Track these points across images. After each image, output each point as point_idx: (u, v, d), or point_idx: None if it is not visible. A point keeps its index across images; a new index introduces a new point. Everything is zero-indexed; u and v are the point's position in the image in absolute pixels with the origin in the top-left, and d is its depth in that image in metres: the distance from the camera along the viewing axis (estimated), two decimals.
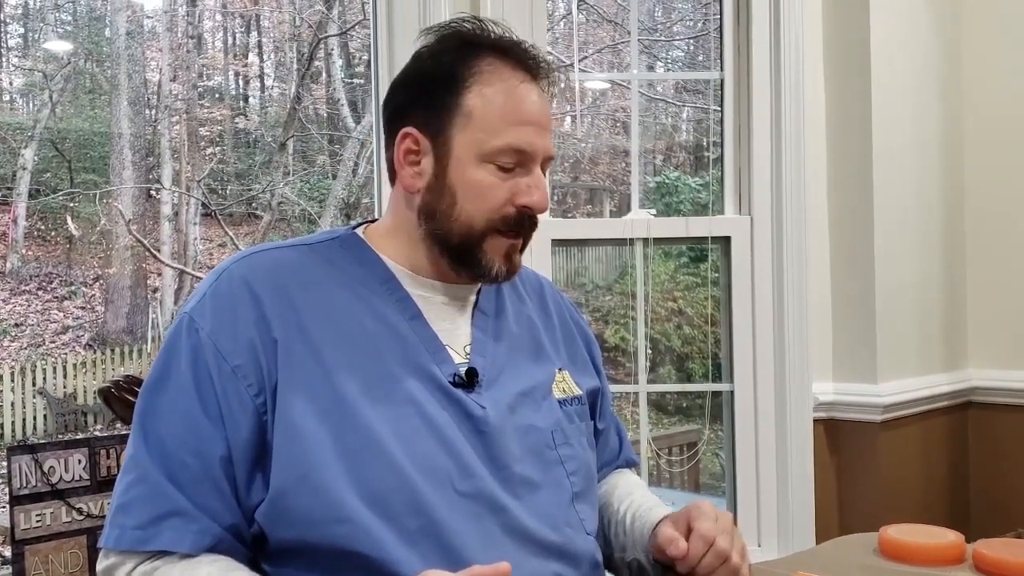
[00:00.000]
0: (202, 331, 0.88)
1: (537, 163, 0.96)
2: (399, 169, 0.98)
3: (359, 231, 1.02)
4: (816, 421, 2.02)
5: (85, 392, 7.51)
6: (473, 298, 1.03)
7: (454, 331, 0.99)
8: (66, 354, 8.75)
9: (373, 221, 1.06)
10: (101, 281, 10.16)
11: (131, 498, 0.85)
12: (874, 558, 1.00)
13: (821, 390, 2.04)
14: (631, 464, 1.19)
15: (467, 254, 0.96)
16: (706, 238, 2.06)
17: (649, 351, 2.13)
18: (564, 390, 1.04)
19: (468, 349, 0.99)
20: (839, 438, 2.05)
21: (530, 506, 0.93)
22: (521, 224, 0.96)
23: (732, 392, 2.07)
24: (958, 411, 2.24)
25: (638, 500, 1.08)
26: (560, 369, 1.06)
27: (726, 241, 2.06)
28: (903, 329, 2.08)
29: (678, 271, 8.85)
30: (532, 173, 0.96)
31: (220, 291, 0.91)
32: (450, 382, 0.94)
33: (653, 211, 2.08)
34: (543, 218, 1.95)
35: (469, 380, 0.95)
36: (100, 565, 0.86)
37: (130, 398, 1.11)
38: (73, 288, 10.01)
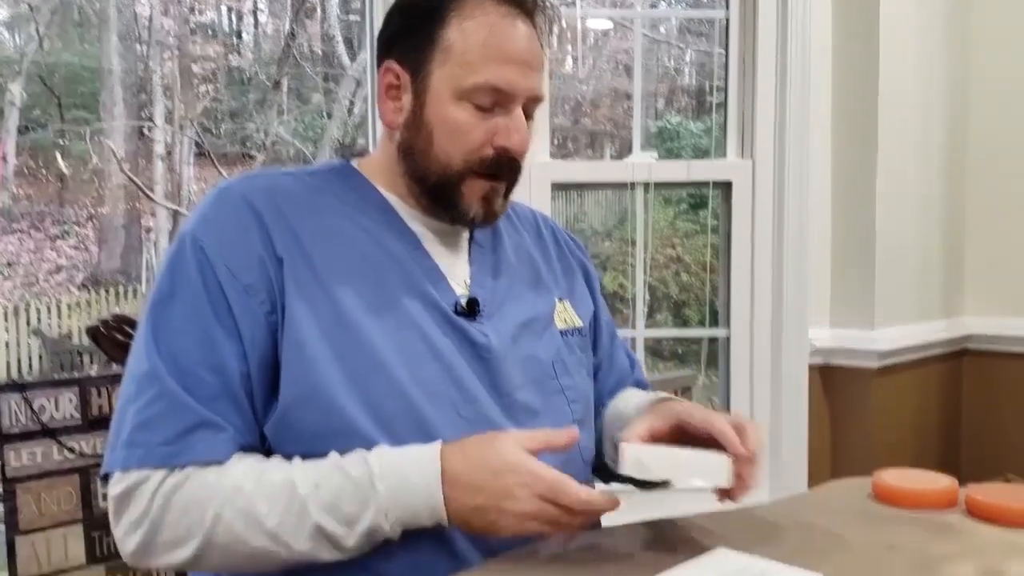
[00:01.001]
0: (208, 249, 0.86)
1: (519, 103, 0.92)
2: (380, 104, 0.96)
3: (353, 163, 1.01)
4: (811, 367, 2.02)
5: (80, 332, 7.50)
6: (467, 233, 1.01)
7: (453, 264, 0.98)
8: (60, 294, 8.73)
9: (363, 155, 1.04)
10: (94, 220, 10.09)
11: (154, 414, 0.82)
12: (868, 502, 1.00)
13: (817, 336, 2.03)
14: (643, 387, 1.19)
15: (444, 195, 0.94)
16: (707, 183, 2.03)
17: (647, 297, 2.11)
18: (566, 320, 1.04)
19: (468, 281, 0.98)
20: (834, 384, 2.06)
21: None
22: (500, 167, 0.93)
23: (728, 338, 2.06)
24: (953, 359, 2.24)
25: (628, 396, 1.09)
26: (560, 299, 1.06)
27: (727, 186, 2.03)
28: (902, 276, 2.07)
29: (677, 218, 8.82)
30: (512, 114, 0.92)
31: (222, 210, 0.89)
32: (452, 311, 0.93)
33: (655, 155, 2.05)
34: (543, 160, 1.94)
35: (470, 309, 0.94)
36: (116, 489, 0.82)
37: (119, 337, 1.10)
38: (66, 227, 9.95)
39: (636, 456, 0.80)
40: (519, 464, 0.79)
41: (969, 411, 2.27)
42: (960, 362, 2.26)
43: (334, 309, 0.87)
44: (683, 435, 0.90)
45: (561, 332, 1.02)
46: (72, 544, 1.35)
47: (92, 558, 1.38)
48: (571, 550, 0.85)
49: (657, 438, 0.89)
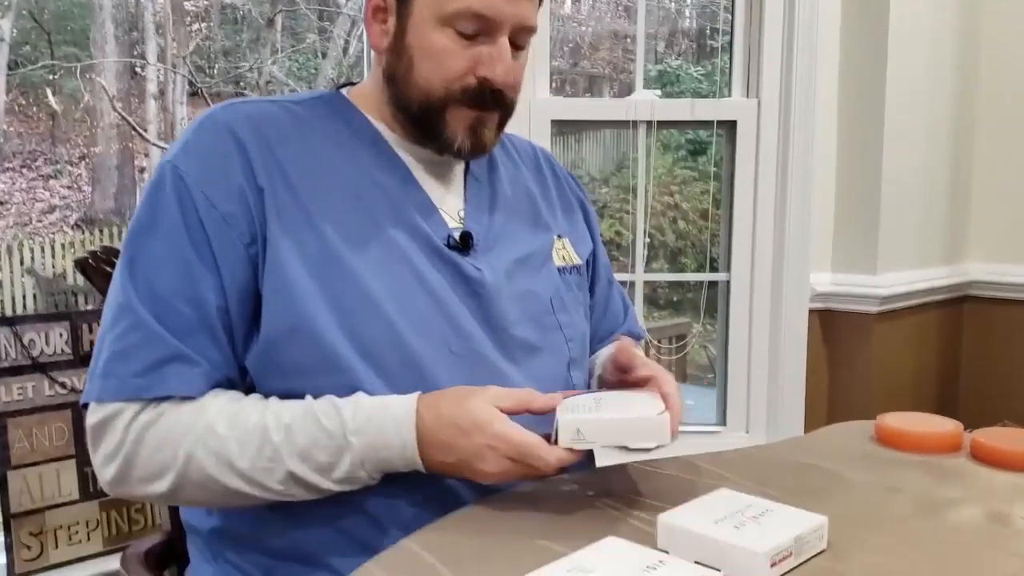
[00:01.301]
0: (188, 179, 0.83)
1: (504, 32, 0.87)
2: (368, 27, 0.92)
3: (343, 91, 0.97)
4: (811, 312, 2.00)
5: (75, 273, 7.43)
6: (461, 165, 0.98)
7: (446, 196, 0.95)
8: (54, 234, 8.66)
9: (354, 84, 1.00)
10: (87, 160, 9.96)
11: (128, 345, 0.80)
12: (870, 445, 0.99)
13: (818, 281, 2.01)
14: (636, 338, 1.16)
15: (428, 124, 0.90)
16: (711, 122, 1.98)
17: (648, 240, 2.09)
18: (564, 258, 1.02)
19: (462, 214, 0.95)
20: (834, 329, 2.04)
21: (528, 371, 0.91)
22: (483, 98, 0.89)
23: (728, 282, 2.04)
24: (954, 304, 2.22)
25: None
26: (559, 236, 1.03)
27: (731, 126, 1.99)
28: (906, 220, 2.04)
29: (675, 165, 8.73)
30: (497, 43, 0.87)
31: (203, 139, 0.86)
32: (444, 245, 0.90)
33: (658, 92, 2.00)
34: (543, 97, 1.89)
35: (464, 244, 0.91)
36: (92, 419, 0.81)
37: (108, 269, 1.07)
38: (58, 167, 9.83)
39: (573, 427, 0.77)
40: (486, 424, 0.77)
41: (968, 358, 2.26)
42: (961, 308, 2.25)
43: (319, 241, 0.84)
44: (622, 373, 0.90)
45: (559, 269, 1.00)
46: (65, 479, 1.35)
47: (85, 494, 1.37)
48: (566, 491, 0.84)
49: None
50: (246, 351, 0.84)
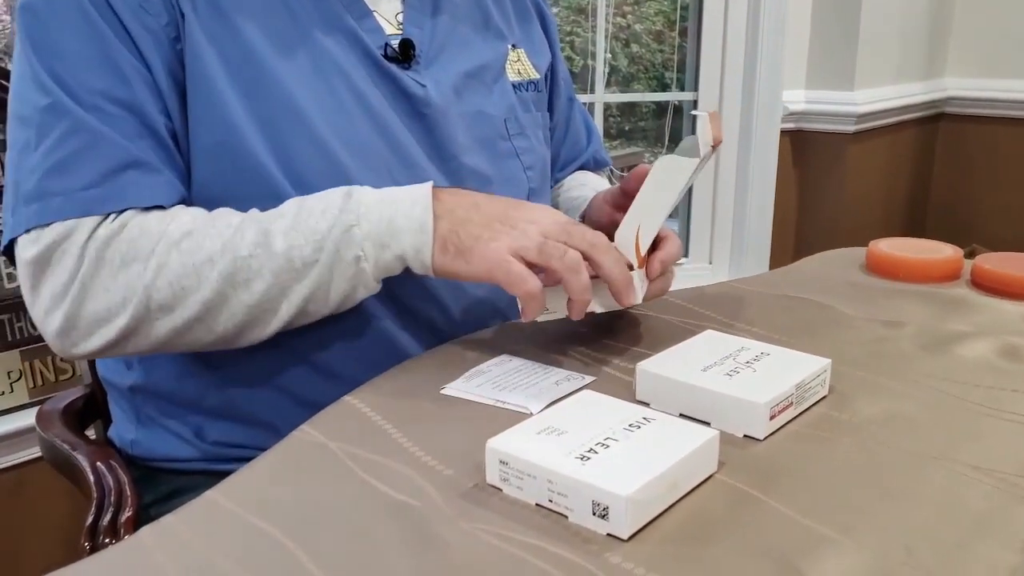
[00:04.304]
0: None
1: None
2: None
3: None
4: (782, 133, 1.89)
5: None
6: None
7: None
8: None
9: None
10: None
11: (69, 153, 0.64)
12: (862, 274, 0.91)
13: (791, 98, 1.89)
14: (601, 165, 1.05)
15: None
16: None
17: (609, 55, 1.92)
18: (519, 72, 0.88)
19: (400, 18, 0.80)
20: (806, 151, 1.94)
21: None
22: None
23: (695, 102, 1.91)
24: (930, 123, 2.13)
25: (590, 191, 0.95)
26: (514, 47, 0.89)
27: None
28: (886, 32, 1.89)
29: None
30: None
31: None
32: (381, 54, 0.75)
33: None
34: None
35: (404, 54, 0.77)
36: (30, 251, 0.65)
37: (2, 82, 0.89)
38: None
39: None
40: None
41: (940, 179, 2.19)
42: (936, 127, 2.16)
43: (240, 46, 0.69)
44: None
45: (514, 85, 0.87)
46: None
47: (4, 342, 1.25)
48: (538, 332, 0.74)
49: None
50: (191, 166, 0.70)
